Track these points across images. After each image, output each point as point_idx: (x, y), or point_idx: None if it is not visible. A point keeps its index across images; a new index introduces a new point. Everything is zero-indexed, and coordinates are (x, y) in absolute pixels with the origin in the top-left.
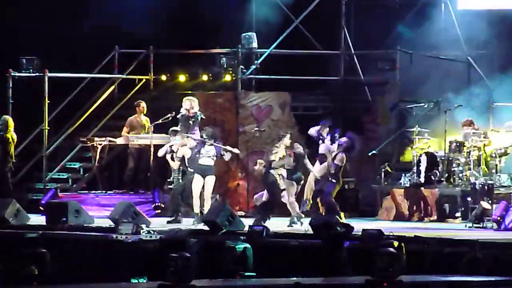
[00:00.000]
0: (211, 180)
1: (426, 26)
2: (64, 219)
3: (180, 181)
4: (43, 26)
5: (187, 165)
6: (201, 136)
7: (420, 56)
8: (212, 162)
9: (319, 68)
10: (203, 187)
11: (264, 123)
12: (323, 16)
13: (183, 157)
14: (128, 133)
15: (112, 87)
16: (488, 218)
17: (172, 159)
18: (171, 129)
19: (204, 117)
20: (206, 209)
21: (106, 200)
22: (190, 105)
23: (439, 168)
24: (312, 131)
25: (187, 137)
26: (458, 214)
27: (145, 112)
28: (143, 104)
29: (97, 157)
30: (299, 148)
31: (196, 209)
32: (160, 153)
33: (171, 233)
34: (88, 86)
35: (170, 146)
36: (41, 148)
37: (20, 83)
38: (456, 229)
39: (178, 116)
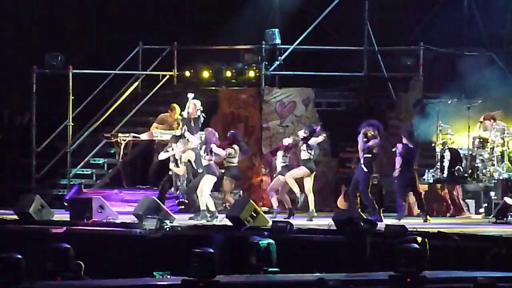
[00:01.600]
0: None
1: (450, 22)
2: (88, 214)
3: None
4: (67, 22)
5: (195, 167)
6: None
7: (444, 52)
8: (206, 162)
9: (343, 64)
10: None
11: (287, 119)
12: (346, 12)
13: (189, 160)
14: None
15: (136, 83)
16: (511, 213)
17: (177, 165)
18: (172, 135)
19: (204, 117)
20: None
21: (130, 196)
22: (195, 107)
23: (463, 164)
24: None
25: (188, 140)
26: (481, 210)
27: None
28: (176, 110)
29: (121, 153)
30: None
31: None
32: (161, 157)
33: (194, 228)
34: (112, 82)
35: (173, 155)
36: (65, 144)
37: (44, 80)
38: (480, 224)
39: (181, 118)
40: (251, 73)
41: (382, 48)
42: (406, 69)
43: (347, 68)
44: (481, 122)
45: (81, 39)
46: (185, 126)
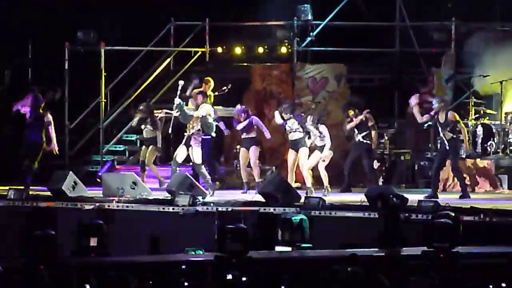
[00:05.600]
0: (302, 152)
1: None
2: (121, 191)
3: None
4: None
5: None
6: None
7: (476, 26)
8: (301, 135)
9: (375, 39)
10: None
11: (319, 95)
12: None
13: None
14: None
15: (168, 60)
16: None
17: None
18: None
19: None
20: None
21: (163, 172)
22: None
23: (495, 139)
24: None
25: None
26: None
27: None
28: (211, 83)
29: None
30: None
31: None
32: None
33: (227, 205)
34: (144, 59)
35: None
36: (98, 120)
37: (76, 57)
38: None
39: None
40: (283, 49)
41: (414, 23)
42: (438, 44)
43: (379, 43)
44: None
45: (113, 16)
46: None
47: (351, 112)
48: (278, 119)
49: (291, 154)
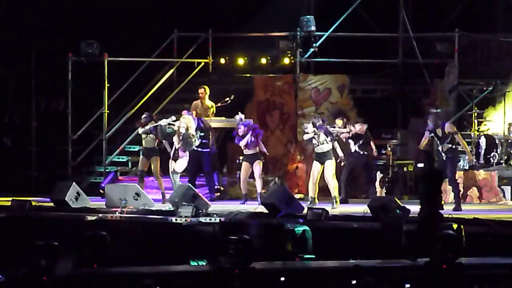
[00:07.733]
0: (330, 164)
1: (485, 7)
2: (124, 202)
3: None
4: (103, 9)
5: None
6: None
7: (479, 37)
8: (330, 147)
9: (378, 50)
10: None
11: (322, 105)
12: None
13: None
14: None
15: (171, 71)
16: None
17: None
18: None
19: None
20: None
21: (166, 183)
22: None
23: (498, 150)
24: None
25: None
26: None
27: (207, 96)
28: (203, 90)
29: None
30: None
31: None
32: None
33: (230, 216)
34: (147, 70)
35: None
36: (101, 131)
37: (79, 67)
38: None
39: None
40: (286, 60)
41: (417, 35)
42: (441, 55)
43: (382, 54)
44: None
45: (116, 27)
46: None
47: (340, 122)
48: (308, 135)
49: (315, 166)
